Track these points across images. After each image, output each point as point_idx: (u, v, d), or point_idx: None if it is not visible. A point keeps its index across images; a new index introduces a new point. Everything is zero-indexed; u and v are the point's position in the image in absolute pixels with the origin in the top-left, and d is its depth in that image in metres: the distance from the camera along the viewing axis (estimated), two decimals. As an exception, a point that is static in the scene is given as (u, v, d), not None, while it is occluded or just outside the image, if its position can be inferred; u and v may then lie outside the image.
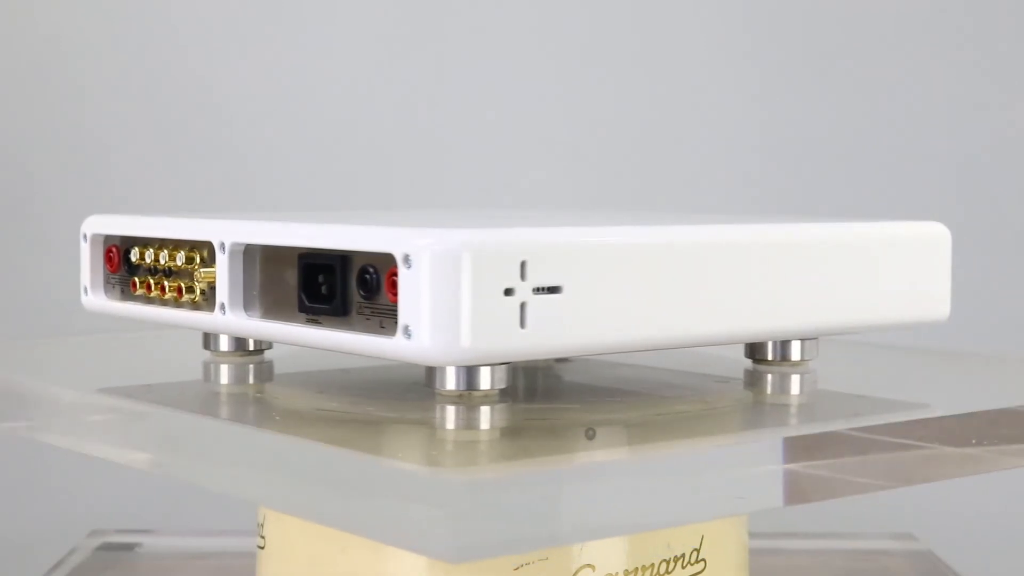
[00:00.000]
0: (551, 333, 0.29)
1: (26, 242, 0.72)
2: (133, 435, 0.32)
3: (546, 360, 0.40)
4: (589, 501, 0.25)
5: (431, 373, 0.30)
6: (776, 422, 0.33)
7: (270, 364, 0.37)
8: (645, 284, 0.30)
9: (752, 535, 0.39)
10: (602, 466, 0.26)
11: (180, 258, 0.34)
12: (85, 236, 0.37)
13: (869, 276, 0.35)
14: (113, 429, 0.33)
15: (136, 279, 0.36)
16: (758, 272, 0.33)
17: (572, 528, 0.25)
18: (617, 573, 0.33)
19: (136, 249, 0.36)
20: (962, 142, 0.72)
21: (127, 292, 0.36)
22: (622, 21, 0.72)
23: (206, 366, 0.37)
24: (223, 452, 0.30)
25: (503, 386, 0.30)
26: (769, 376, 0.36)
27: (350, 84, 0.72)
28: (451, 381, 0.30)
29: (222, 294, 0.33)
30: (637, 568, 0.33)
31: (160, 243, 0.35)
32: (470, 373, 0.30)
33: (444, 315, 0.28)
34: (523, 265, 0.28)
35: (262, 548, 0.37)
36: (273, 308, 0.32)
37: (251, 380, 0.36)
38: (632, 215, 0.37)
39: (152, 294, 0.35)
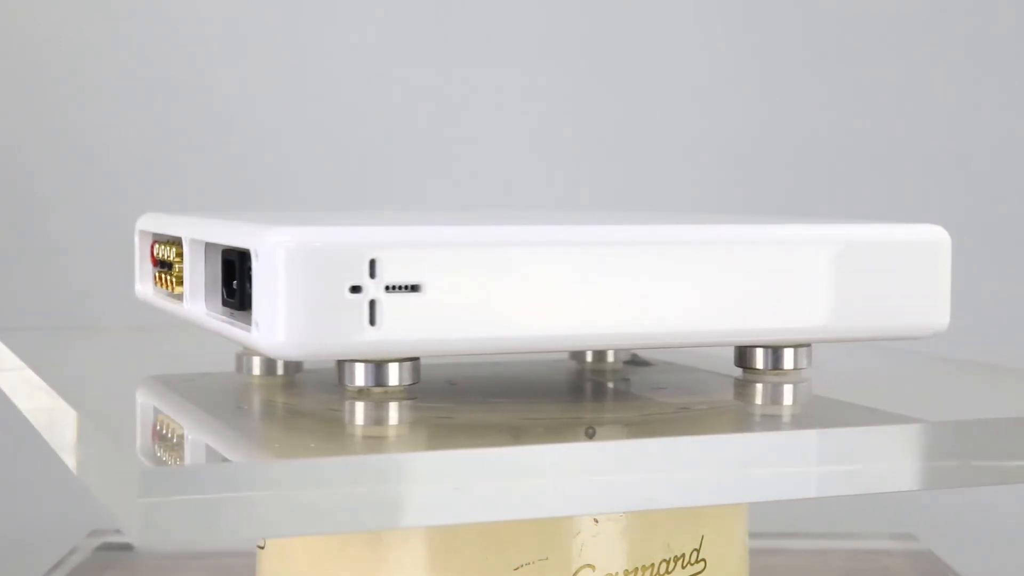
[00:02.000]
0: (408, 331, 0.29)
1: (26, 242, 0.72)
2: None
3: (614, 363, 0.40)
4: (270, 501, 0.25)
5: (337, 368, 0.31)
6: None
7: None
8: (517, 284, 0.30)
9: (752, 535, 0.39)
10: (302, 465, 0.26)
11: (172, 253, 0.35)
12: (137, 232, 0.38)
13: (850, 282, 0.33)
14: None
15: (155, 273, 0.37)
16: (664, 274, 0.31)
17: (236, 526, 0.25)
18: (617, 573, 0.33)
19: (157, 245, 0.37)
20: (965, 143, 0.72)
21: (155, 286, 0.38)
22: (621, 20, 0.72)
23: (238, 358, 0.37)
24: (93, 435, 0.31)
25: (409, 382, 0.30)
26: (759, 385, 0.35)
27: (354, 82, 0.72)
28: (354, 377, 0.30)
29: (185, 287, 0.34)
30: (637, 568, 0.33)
31: (169, 239, 0.36)
32: (377, 370, 0.30)
33: (285, 310, 0.28)
34: (372, 263, 0.28)
35: (262, 548, 0.37)
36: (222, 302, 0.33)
37: (279, 372, 0.37)
38: (547, 215, 0.36)
39: (162, 287, 0.36)
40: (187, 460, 0.27)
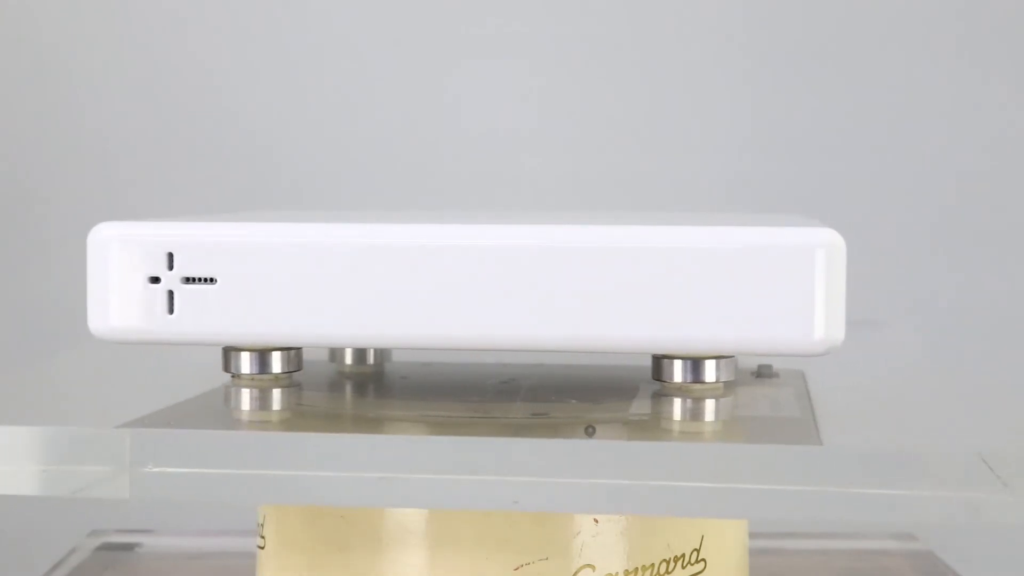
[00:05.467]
0: (203, 321, 0.32)
1: (26, 245, 0.72)
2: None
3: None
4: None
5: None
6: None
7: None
8: (312, 281, 0.31)
9: (752, 535, 0.39)
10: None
11: None
12: None
13: (721, 291, 0.30)
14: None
15: None
16: (467, 277, 0.31)
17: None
18: (617, 573, 0.33)
19: None
20: (961, 144, 0.72)
21: None
22: (617, 19, 0.72)
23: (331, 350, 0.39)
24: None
25: (293, 369, 0.34)
26: (676, 400, 0.33)
27: (356, 78, 0.72)
28: (244, 364, 0.34)
29: None
30: (637, 568, 0.33)
31: None
32: (262, 358, 0.33)
33: (97, 298, 0.32)
34: (170, 256, 0.32)
35: (262, 548, 0.37)
36: None
37: (369, 361, 0.39)
38: (378, 214, 0.36)
39: None
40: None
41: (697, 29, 0.72)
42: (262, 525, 0.37)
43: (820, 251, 0.30)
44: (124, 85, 0.72)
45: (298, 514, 0.35)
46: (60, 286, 0.71)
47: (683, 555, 0.34)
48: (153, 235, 0.32)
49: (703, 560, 0.35)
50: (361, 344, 0.32)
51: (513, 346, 0.31)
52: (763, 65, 0.72)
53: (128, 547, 0.57)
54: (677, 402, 0.33)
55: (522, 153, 0.72)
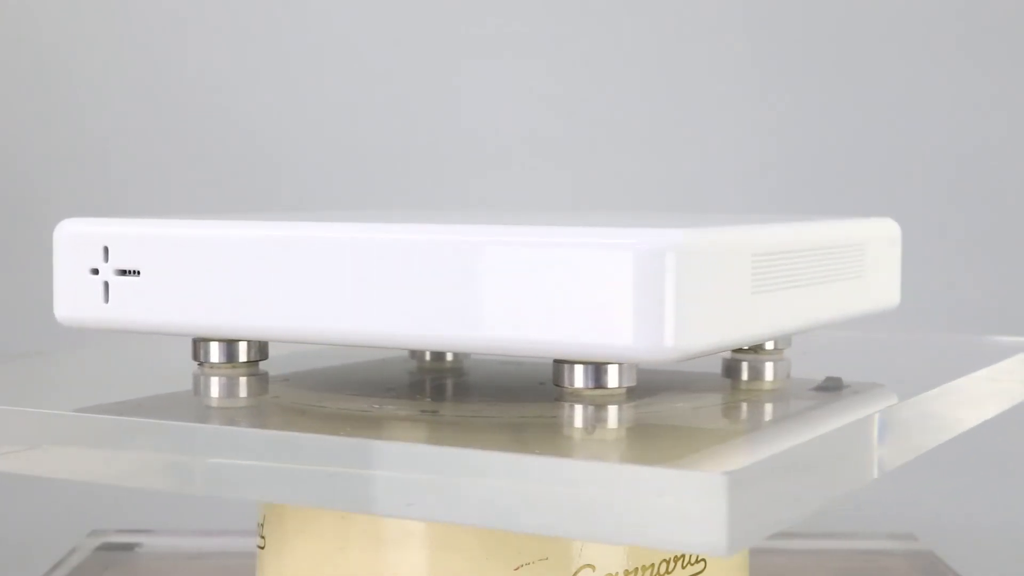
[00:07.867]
0: (132, 310, 0.34)
1: (22, 245, 0.72)
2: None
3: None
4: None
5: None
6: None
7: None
8: (226, 275, 0.33)
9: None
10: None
11: None
12: None
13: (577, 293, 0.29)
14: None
15: None
16: (352, 275, 0.31)
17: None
18: (617, 573, 0.33)
19: None
20: (963, 144, 0.72)
21: None
22: (617, 19, 0.72)
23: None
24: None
25: (257, 359, 0.35)
26: (564, 406, 0.32)
27: (356, 78, 0.72)
28: (212, 354, 0.35)
29: None
30: (637, 568, 0.33)
31: None
32: (230, 348, 0.35)
33: (59, 288, 0.35)
34: (106, 250, 0.34)
35: (262, 548, 0.37)
36: None
37: (448, 358, 0.40)
38: (316, 214, 0.37)
39: None
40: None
41: (697, 29, 0.72)
42: (262, 525, 0.37)
43: (670, 254, 0.28)
44: (124, 85, 0.72)
45: (298, 514, 0.35)
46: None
47: (683, 555, 0.34)
48: (94, 231, 0.34)
49: (703, 560, 0.35)
50: (262, 337, 0.33)
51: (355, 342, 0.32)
52: (762, 65, 0.72)
53: (128, 547, 0.57)
54: (565, 408, 0.31)
55: (522, 153, 0.72)
